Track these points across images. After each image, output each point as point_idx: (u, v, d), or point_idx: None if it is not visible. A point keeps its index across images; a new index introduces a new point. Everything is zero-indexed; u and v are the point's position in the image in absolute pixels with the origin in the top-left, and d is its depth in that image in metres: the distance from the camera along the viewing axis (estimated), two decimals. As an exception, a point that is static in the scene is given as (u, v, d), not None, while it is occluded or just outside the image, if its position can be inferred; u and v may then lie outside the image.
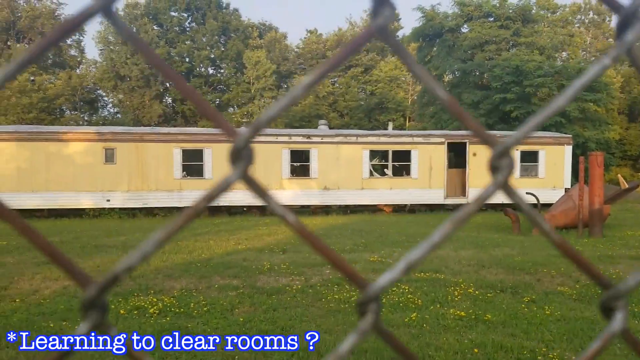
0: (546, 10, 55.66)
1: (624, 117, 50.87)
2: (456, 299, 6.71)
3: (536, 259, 9.25)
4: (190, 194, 20.44)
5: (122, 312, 5.98)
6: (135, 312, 6.02)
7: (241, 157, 0.49)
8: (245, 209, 21.08)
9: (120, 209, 19.97)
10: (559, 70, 26.83)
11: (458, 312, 6.07)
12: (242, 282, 7.48)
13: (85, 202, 19.48)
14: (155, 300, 6.47)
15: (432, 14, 31.89)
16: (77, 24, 0.44)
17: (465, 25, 31.24)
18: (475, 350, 4.75)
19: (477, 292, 7.04)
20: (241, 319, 5.70)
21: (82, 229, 15.37)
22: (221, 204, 20.56)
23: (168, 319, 5.78)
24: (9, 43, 45.00)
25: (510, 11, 30.42)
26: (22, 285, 7.30)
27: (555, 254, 9.84)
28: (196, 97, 0.48)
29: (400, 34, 55.95)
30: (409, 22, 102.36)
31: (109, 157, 19.78)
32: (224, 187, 0.48)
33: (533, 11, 32.60)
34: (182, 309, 6.13)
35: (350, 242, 11.44)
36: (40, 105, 39.27)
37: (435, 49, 32.80)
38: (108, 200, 19.82)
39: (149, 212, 20.55)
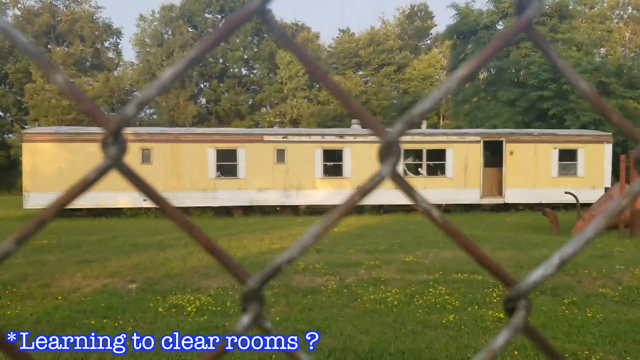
0: (584, 6, 54.34)
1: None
2: (494, 300, 6.60)
3: (576, 260, 9.01)
4: (223, 193, 20.64)
5: (160, 310, 6.07)
6: (173, 310, 6.11)
7: (392, 152, 0.48)
8: (278, 208, 21.17)
9: (156, 208, 20.26)
10: (597, 66, 26.15)
11: (496, 313, 5.98)
12: (277, 281, 7.51)
13: (123, 201, 19.88)
14: (192, 298, 6.55)
15: (466, 11, 31.42)
16: (237, 24, 0.47)
17: (500, 22, 30.70)
18: (515, 352, 4.67)
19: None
20: (277, 318, 5.73)
21: (120, 227, 15.70)
22: (255, 203, 20.71)
23: (205, 317, 5.85)
24: (49, 46, 46.26)
25: (547, 7, 29.76)
26: (63, 283, 7.48)
27: (597, 255, 9.61)
28: (343, 94, 0.49)
29: (433, 31, 55.43)
30: (443, 19, 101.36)
31: (146, 157, 20.14)
32: (376, 182, 0.48)
33: (570, 7, 31.81)
34: (218, 307, 6.20)
35: (385, 243, 11.36)
36: (79, 107, 40.17)
37: (469, 46, 32.32)
38: (145, 200, 20.17)
39: (184, 211, 20.84)
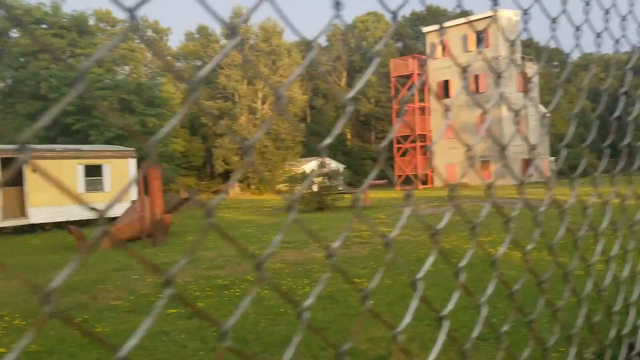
0: (105, 23, 56.06)
1: (186, 131, 55.56)
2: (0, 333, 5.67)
3: (93, 276, 8.77)
4: None
5: None
6: None
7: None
8: None
9: None
10: (119, 83, 27.18)
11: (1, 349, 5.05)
12: None
13: None
14: None
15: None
16: None
17: (15, 30, 28.35)
18: None
19: (24, 323, 6.12)
20: None
21: None
22: None
23: None
24: None
25: (65, 20, 29.17)
26: None
27: (115, 268, 9.58)
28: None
29: None
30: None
31: None
32: None
33: (91, 23, 32.10)
34: None
35: None
36: None
37: None
38: None
39: None
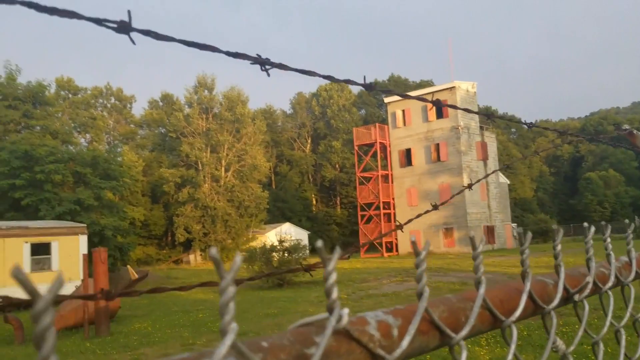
0: (67, 91, 55.64)
1: (147, 199, 54.48)
2: None
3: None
4: None
5: None
6: None
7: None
8: None
9: None
10: (73, 156, 26.47)
11: None
12: None
13: None
14: None
15: None
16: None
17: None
18: None
19: None
20: None
21: None
22: None
23: None
24: None
25: (19, 91, 28.63)
26: None
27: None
28: None
29: None
30: None
31: None
32: None
33: (48, 93, 31.60)
34: None
35: None
36: None
37: None
38: None
39: None
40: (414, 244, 0.59)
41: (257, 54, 1.00)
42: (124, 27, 0.77)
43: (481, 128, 46.85)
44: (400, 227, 2.08)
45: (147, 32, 0.82)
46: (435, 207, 2.04)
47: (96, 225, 25.15)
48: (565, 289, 0.85)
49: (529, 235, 0.79)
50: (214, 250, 0.43)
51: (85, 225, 22.83)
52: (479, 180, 2.10)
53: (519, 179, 71.56)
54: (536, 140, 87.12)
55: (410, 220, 2.13)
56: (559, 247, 0.87)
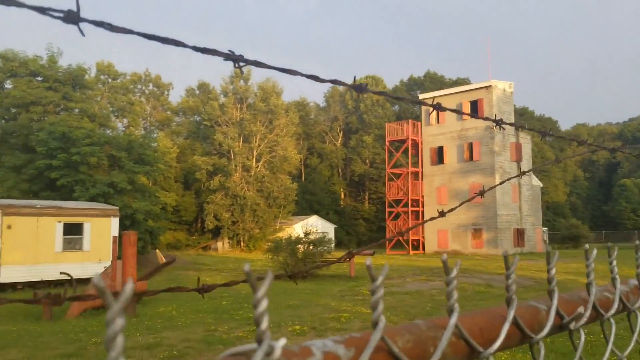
0: (107, 76, 56.77)
1: (180, 185, 55.35)
2: None
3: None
4: None
5: None
6: None
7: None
8: None
9: None
10: (109, 140, 27.03)
11: None
12: None
13: None
14: None
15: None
16: None
17: (8, 82, 28.42)
18: None
19: None
20: None
21: None
22: None
23: None
24: None
25: (60, 73, 29.33)
26: None
27: (64, 354, 8.97)
28: None
29: None
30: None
31: None
32: None
33: (88, 76, 32.30)
34: None
35: None
36: None
37: None
38: None
39: None
40: (369, 268, 0.57)
41: (230, 50, 0.95)
42: (71, 17, 0.72)
43: (516, 129, 46.02)
44: (443, 214, 2.08)
45: (99, 23, 0.77)
46: (481, 193, 2.04)
47: (128, 209, 25.67)
48: (559, 315, 0.79)
49: (517, 259, 0.79)
50: (247, 267, 0.42)
51: (117, 208, 23.32)
52: (490, 188, 2.10)
53: (553, 182, 70.19)
54: (572, 144, 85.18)
55: (455, 208, 2.13)
56: (592, 266, 0.85)
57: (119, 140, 27.62)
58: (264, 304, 0.44)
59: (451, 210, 2.05)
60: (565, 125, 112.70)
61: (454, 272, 0.62)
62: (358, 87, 1.12)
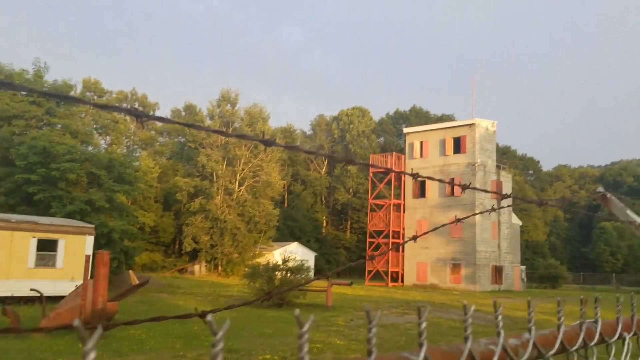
0: (93, 93, 56.66)
1: (159, 206, 54.87)
2: None
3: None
4: None
5: None
6: None
7: None
8: None
9: None
10: (89, 157, 26.80)
11: None
12: None
13: None
14: None
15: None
16: None
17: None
18: None
19: None
20: None
21: None
22: None
23: None
24: None
25: (45, 88, 29.16)
26: None
27: None
28: None
29: None
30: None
31: None
32: None
33: (73, 92, 32.18)
34: None
35: None
36: None
37: None
38: None
39: None
40: (297, 318, 0.58)
41: (132, 107, 0.99)
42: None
43: (498, 167, 46.65)
44: (414, 238, 2.07)
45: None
46: (457, 221, 2.04)
47: (104, 227, 25.32)
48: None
49: (427, 309, 0.79)
50: (210, 317, 0.43)
51: (93, 226, 23.00)
52: (464, 218, 2.12)
53: (533, 221, 70.83)
54: (553, 184, 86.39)
55: (425, 233, 2.13)
56: (562, 319, 0.86)
57: (100, 158, 27.40)
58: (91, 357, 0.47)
59: (424, 234, 2.05)
60: (547, 165, 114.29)
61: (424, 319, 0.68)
62: (266, 142, 1.12)
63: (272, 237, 52.85)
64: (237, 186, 50.19)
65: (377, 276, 47.79)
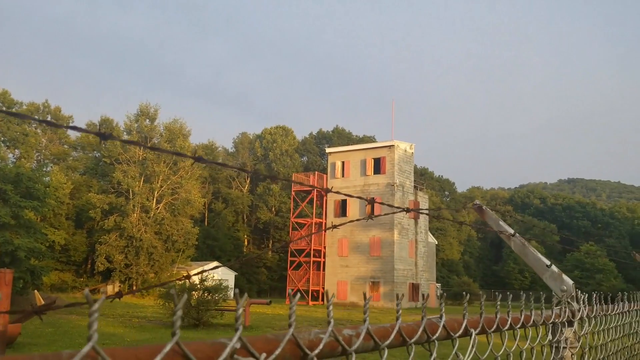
0: (1, 104, 53.55)
1: (71, 223, 52.27)
2: None
3: None
4: None
5: None
6: None
7: None
8: None
9: None
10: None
11: None
12: None
13: None
14: None
15: None
16: None
17: None
18: None
19: None
20: None
21: None
22: None
23: None
24: None
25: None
26: None
27: None
28: None
29: None
30: None
31: None
32: None
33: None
34: None
35: None
36: None
37: None
38: None
39: None
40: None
41: (98, 130, 1.00)
42: None
43: (415, 187, 48.22)
44: (335, 226, 2.13)
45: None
46: (369, 217, 2.13)
47: (9, 245, 23.84)
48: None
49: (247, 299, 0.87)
50: (87, 291, 0.43)
51: (-6, 244, 21.63)
52: (385, 214, 2.24)
53: (448, 240, 73.56)
54: (467, 205, 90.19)
55: (342, 224, 2.20)
56: (399, 313, 0.93)
57: (6, 172, 25.86)
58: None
59: (341, 224, 2.15)
60: (461, 187, 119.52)
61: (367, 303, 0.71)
62: (102, 135, 1.17)
63: (190, 257, 51.64)
64: (154, 203, 48.75)
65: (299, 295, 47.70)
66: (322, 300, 46.28)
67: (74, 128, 1.01)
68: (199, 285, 21.73)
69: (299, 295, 0.97)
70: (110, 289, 46.95)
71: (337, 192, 2.02)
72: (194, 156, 1.33)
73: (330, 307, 0.99)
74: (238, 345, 0.76)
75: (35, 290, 23.62)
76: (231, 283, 49.66)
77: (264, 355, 0.81)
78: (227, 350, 0.74)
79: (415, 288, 45.67)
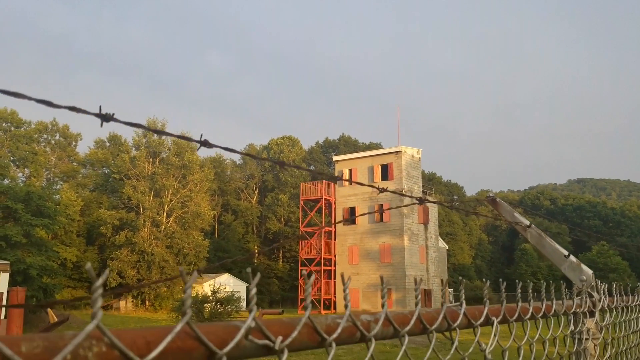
0: (9, 124, 54.03)
1: (82, 240, 52.50)
2: None
3: None
4: None
5: None
6: None
7: None
8: None
9: None
10: (4, 190, 25.43)
11: None
12: None
13: None
14: None
15: None
16: None
17: None
18: None
19: None
20: None
21: None
22: None
23: None
24: None
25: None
26: None
27: None
28: None
29: None
30: None
31: None
32: None
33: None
34: None
35: None
36: None
37: None
38: None
39: None
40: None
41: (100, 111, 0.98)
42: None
43: (424, 192, 48.03)
44: (351, 220, 2.09)
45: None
46: (376, 212, 2.09)
47: (21, 264, 23.95)
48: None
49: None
50: (89, 265, 0.43)
51: (8, 262, 21.71)
52: (394, 207, 2.19)
53: (459, 245, 73.14)
54: (477, 208, 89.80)
55: (359, 215, 2.17)
56: (419, 301, 0.90)
57: (17, 191, 26.03)
58: None
59: (361, 215, 2.11)
60: (470, 191, 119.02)
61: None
62: (104, 117, 1.14)
63: (202, 269, 51.62)
64: (164, 217, 48.89)
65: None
66: (334, 309, 46.07)
67: (73, 109, 0.98)
68: (211, 297, 21.72)
69: (313, 275, 0.93)
70: (123, 304, 47.03)
71: (360, 183, 1.97)
72: (200, 140, 1.31)
73: (347, 291, 0.95)
74: (253, 324, 0.73)
75: (49, 309, 23.69)
76: (243, 294, 49.60)
77: (279, 338, 0.77)
78: (242, 331, 0.71)
79: (427, 294, 45.35)
